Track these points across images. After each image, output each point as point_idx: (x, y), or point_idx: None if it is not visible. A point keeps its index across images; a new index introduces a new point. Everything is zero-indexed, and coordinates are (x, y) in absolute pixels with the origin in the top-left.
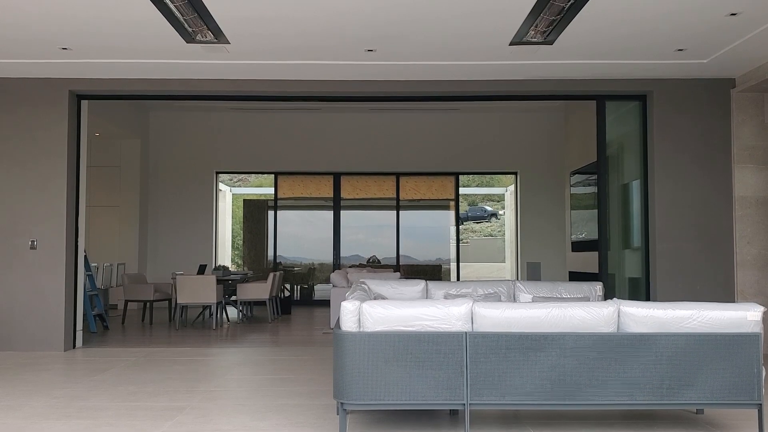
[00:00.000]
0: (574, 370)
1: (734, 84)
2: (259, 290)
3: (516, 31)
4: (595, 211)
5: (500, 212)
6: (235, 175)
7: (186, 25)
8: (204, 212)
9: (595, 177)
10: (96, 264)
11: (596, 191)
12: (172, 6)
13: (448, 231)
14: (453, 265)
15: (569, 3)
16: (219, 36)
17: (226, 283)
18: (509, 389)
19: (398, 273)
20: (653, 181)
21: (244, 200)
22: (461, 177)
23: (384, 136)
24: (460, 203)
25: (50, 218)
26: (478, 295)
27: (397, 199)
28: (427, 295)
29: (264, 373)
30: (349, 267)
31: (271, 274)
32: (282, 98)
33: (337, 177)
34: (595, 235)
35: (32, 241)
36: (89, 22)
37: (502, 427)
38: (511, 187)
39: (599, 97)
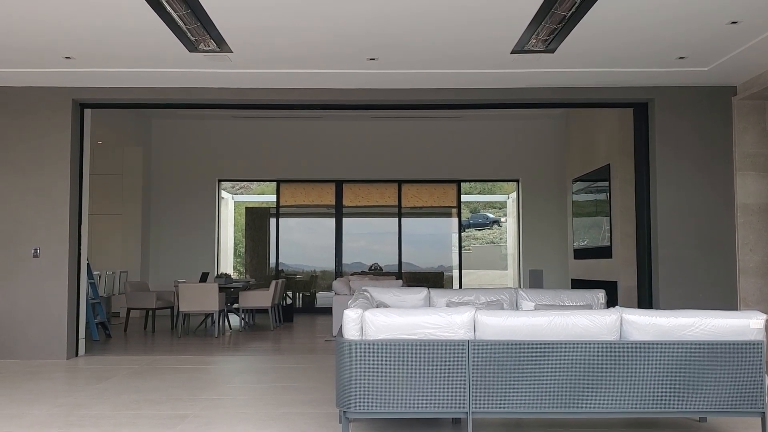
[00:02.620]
0: (577, 378)
1: (735, 92)
2: (261, 298)
3: (517, 40)
4: (596, 218)
5: (502, 219)
6: (238, 182)
7: (189, 35)
8: (206, 220)
9: (596, 184)
10: (98, 272)
11: (638, 198)
12: (175, 15)
13: (450, 238)
14: (455, 273)
15: (570, 12)
16: (222, 45)
17: (228, 291)
18: (512, 397)
19: (400, 280)
20: (655, 188)
21: (246, 208)
22: (463, 184)
23: (386, 143)
24: (462, 210)
25: (53, 226)
26: (480, 303)
27: (399, 206)
28: (429, 303)
29: (266, 382)
30: (351, 275)
31: (273, 282)
32: (284, 107)
33: (339, 184)
34: (596, 243)
35: (35, 249)
36: (92, 32)
37: None
38: (513, 195)
39: (636, 105)
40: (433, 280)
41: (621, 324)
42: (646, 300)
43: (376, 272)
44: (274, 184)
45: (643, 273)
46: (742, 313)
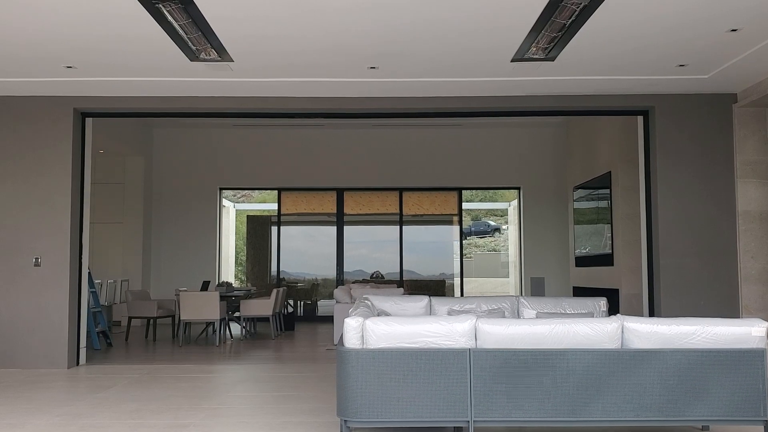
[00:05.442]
0: (579, 387)
1: (736, 99)
2: (262, 306)
3: (518, 48)
4: (597, 225)
5: (504, 227)
6: (239, 191)
7: (190, 44)
8: (207, 228)
9: (597, 191)
10: (100, 280)
11: (645, 206)
12: (176, 25)
13: (452, 246)
14: (457, 281)
15: (571, 20)
16: (222, 54)
17: (230, 300)
18: (513, 406)
19: (402, 288)
20: (656, 196)
21: (247, 216)
22: (464, 192)
23: (387, 151)
24: (463, 218)
25: (54, 235)
26: (481, 311)
27: (401, 214)
28: (430, 311)
29: (267, 390)
30: (353, 282)
31: (275, 290)
32: (285, 115)
33: (340, 192)
34: (598, 250)
35: (36, 258)
36: (94, 41)
37: None
38: (515, 202)
39: (645, 112)
40: (435, 287)
41: (622, 332)
42: (647, 308)
43: (377, 280)
44: (275, 192)
45: (653, 278)
46: (743, 321)
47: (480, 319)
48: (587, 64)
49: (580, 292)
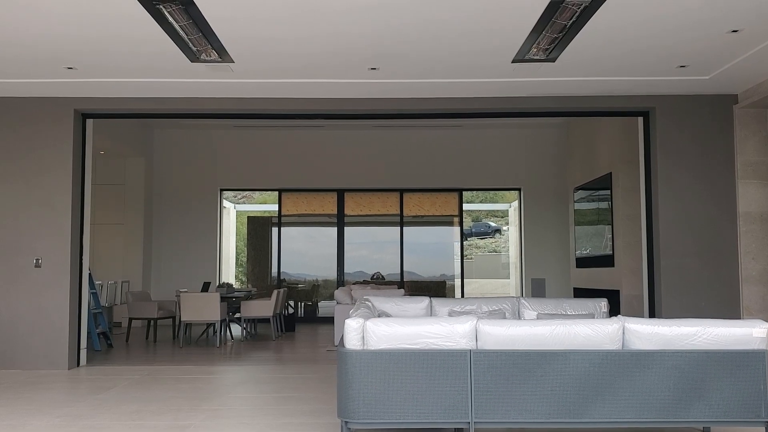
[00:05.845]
0: (579, 388)
1: (737, 100)
2: (262, 307)
3: (518, 49)
4: (598, 226)
5: (504, 228)
6: (239, 192)
7: (190, 45)
8: (208, 229)
9: (598, 192)
10: (100, 282)
11: (646, 207)
12: (176, 26)
13: (452, 247)
14: (457, 282)
15: (571, 21)
16: (223, 55)
17: (230, 301)
18: (514, 407)
19: (402, 290)
20: (656, 197)
21: (248, 217)
22: (465, 193)
23: (387, 152)
24: (464, 219)
25: (55, 236)
26: (482, 312)
27: (401, 215)
28: (431, 312)
29: (268, 392)
30: (353, 284)
31: (275, 291)
32: (286, 116)
33: (340, 193)
34: (598, 251)
35: (36, 259)
36: (94, 42)
37: None
38: (515, 203)
39: (646, 113)
40: (435, 289)
41: (623, 333)
42: (648, 309)
43: (378, 281)
44: (276, 193)
45: (653, 279)
46: (744, 322)
47: (481, 320)
48: (588, 65)
49: (580, 293)
